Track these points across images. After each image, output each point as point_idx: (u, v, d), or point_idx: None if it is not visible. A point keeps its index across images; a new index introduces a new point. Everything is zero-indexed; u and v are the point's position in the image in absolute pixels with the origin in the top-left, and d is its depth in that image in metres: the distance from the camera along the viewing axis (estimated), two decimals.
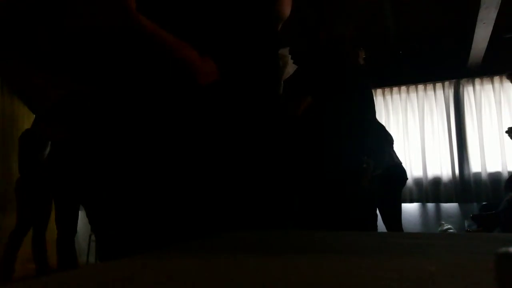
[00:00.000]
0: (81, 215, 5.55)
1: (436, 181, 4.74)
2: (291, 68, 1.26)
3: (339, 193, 1.91)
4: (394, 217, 3.52)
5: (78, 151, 0.98)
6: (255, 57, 0.97)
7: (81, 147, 0.98)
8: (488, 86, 4.73)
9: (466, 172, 4.64)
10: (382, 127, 3.76)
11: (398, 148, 4.00)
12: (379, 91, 5.03)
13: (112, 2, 0.80)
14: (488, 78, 4.70)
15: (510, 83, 4.61)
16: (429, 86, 4.94)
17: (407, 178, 3.68)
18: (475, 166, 4.66)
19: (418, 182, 4.75)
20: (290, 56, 1.24)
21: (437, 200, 4.71)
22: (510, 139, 3.59)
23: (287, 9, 1.11)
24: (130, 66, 0.91)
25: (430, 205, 4.76)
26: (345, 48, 2.15)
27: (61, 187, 2.92)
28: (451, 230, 4.31)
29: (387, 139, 3.68)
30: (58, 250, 3.08)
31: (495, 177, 4.55)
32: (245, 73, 0.95)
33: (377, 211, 3.28)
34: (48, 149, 3.69)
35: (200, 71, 0.86)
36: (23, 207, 3.66)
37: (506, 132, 3.57)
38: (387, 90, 5.05)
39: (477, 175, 4.62)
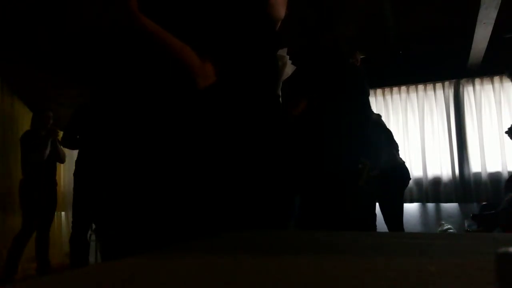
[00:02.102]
0: None
1: (436, 181, 4.73)
2: (289, 68, 1.26)
3: (338, 193, 1.90)
4: (395, 217, 3.52)
5: (82, 152, 0.98)
6: (254, 58, 0.97)
7: (82, 149, 0.98)
8: (488, 86, 4.72)
9: (466, 172, 4.64)
10: (389, 133, 3.75)
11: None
12: (379, 91, 5.02)
13: (114, 2, 0.81)
14: (488, 78, 4.70)
15: (510, 83, 4.60)
16: (429, 86, 4.93)
17: (410, 178, 3.68)
18: (475, 166, 4.65)
19: (418, 182, 4.75)
20: (288, 56, 1.24)
21: (437, 200, 4.71)
22: (510, 139, 3.59)
23: (281, 11, 1.11)
24: (131, 67, 0.91)
25: (430, 205, 4.76)
26: (343, 48, 2.15)
27: (81, 188, 2.95)
28: (451, 230, 4.31)
29: (393, 145, 3.68)
30: (72, 248, 3.13)
31: (495, 177, 4.54)
32: (244, 74, 0.96)
33: (376, 211, 3.28)
34: (48, 149, 3.71)
35: (199, 73, 0.86)
36: (27, 209, 3.69)
37: (506, 132, 3.57)
38: (387, 90, 5.04)
39: (477, 175, 4.62)
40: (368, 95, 2.26)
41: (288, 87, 1.65)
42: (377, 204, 3.37)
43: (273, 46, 1.08)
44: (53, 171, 3.93)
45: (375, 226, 3.22)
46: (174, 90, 0.89)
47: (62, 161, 4.01)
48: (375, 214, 3.17)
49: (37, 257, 3.84)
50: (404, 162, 3.67)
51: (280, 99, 1.27)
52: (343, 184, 1.91)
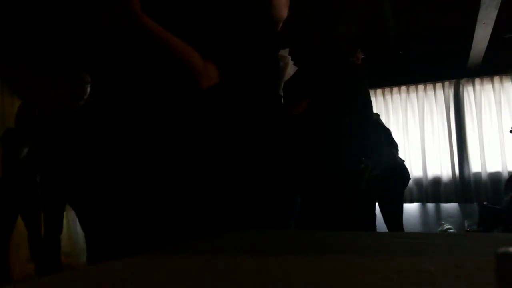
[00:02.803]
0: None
1: (436, 181, 4.73)
2: (291, 69, 1.26)
3: (338, 193, 1.90)
4: (395, 217, 3.52)
5: (81, 152, 0.98)
6: (256, 58, 0.97)
7: (83, 149, 0.98)
8: (488, 86, 4.72)
9: (466, 172, 4.64)
10: (388, 132, 3.75)
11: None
12: (379, 91, 5.02)
13: (117, 2, 0.80)
14: (488, 78, 4.70)
15: (510, 83, 4.60)
16: (429, 86, 4.93)
17: (410, 178, 3.69)
18: (475, 166, 4.65)
19: (418, 182, 4.75)
20: (290, 57, 1.24)
21: (437, 200, 4.71)
22: None
23: (283, 11, 1.11)
24: (132, 67, 0.91)
25: (430, 205, 4.76)
26: (343, 48, 2.14)
27: (49, 188, 2.95)
28: (451, 230, 4.31)
29: (394, 146, 3.69)
30: (43, 250, 3.10)
31: (495, 177, 4.54)
32: (245, 75, 0.95)
33: (376, 211, 3.29)
34: (26, 148, 3.65)
35: (202, 73, 0.86)
36: (5, 207, 3.64)
37: (511, 131, 3.58)
38: (387, 90, 5.04)
39: (477, 175, 4.62)
40: (368, 94, 2.26)
41: (289, 87, 1.65)
42: (377, 204, 3.37)
43: (274, 46, 1.08)
44: (33, 171, 3.84)
45: (375, 226, 3.22)
46: (176, 91, 0.89)
47: None
48: (375, 214, 3.17)
49: (33, 258, 3.81)
50: (404, 162, 3.67)
51: (282, 99, 1.27)
52: (343, 184, 1.91)
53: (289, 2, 1.16)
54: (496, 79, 4.67)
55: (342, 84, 1.99)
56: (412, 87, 4.98)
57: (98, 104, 0.97)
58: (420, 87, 4.94)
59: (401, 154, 3.80)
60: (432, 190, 4.73)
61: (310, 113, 1.93)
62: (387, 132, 3.77)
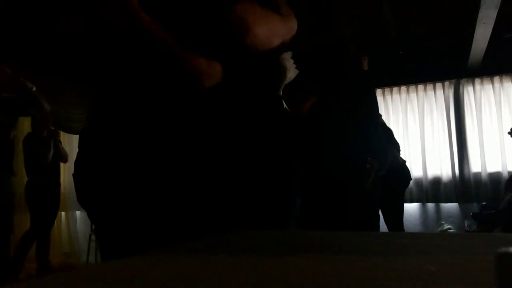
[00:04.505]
0: (81, 215, 5.56)
1: (436, 181, 4.73)
2: (292, 72, 1.24)
3: (342, 193, 1.90)
4: (396, 217, 3.52)
5: (81, 152, 0.98)
6: (255, 58, 0.97)
7: (83, 147, 0.98)
8: (488, 86, 4.72)
9: (466, 172, 4.64)
10: (390, 132, 3.76)
11: None
12: (379, 91, 5.02)
13: (116, 1, 0.80)
14: (488, 78, 4.70)
15: (510, 83, 4.61)
16: (429, 86, 4.93)
17: (411, 179, 3.68)
18: (475, 166, 4.66)
19: (418, 182, 4.75)
20: (292, 60, 1.22)
21: (437, 200, 4.71)
22: None
23: (270, 41, 0.98)
24: (132, 67, 0.91)
25: (430, 205, 4.76)
26: (349, 52, 2.14)
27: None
28: (451, 230, 4.31)
29: (395, 146, 3.69)
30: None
31: (495, 177, 4.54)
32: (246, 75, 0.95)
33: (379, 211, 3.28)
34: (52, 151, 3.73)
35: (205, 73, 0.86)
36: (35, 210, 3.74)
37: (509, 133, 3.58)
38: (387, 90, 5.04)
39: (477, 175, 4.62)
40: (374, 96, 2.25)
41: (291, 88, 1.64)
42: None
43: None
44: (57, 172, 3.98)
45: (378, 227, 3.22)
46: (177, 90, 0.89)
47: (65, 160, 4.10)
48: (378, 216, 3.17)
49: (37, 257, 3.86)
50: (405, 162, 3.67)
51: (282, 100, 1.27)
52: (346, 184, 1.90)
53: (288, 30, 1.05)
54: (496, 79, 4.67)
55: (346, 85, 1.99)
56: (412, 87, 4.98)
57: (98, 104, 0.97)
58: (420, 87, 4.94)
59: (401, 154, 3.80)
60: (432, 190, 4.73)
61: (313, 113, 1.92)
62: (389, 132, 3.78)
